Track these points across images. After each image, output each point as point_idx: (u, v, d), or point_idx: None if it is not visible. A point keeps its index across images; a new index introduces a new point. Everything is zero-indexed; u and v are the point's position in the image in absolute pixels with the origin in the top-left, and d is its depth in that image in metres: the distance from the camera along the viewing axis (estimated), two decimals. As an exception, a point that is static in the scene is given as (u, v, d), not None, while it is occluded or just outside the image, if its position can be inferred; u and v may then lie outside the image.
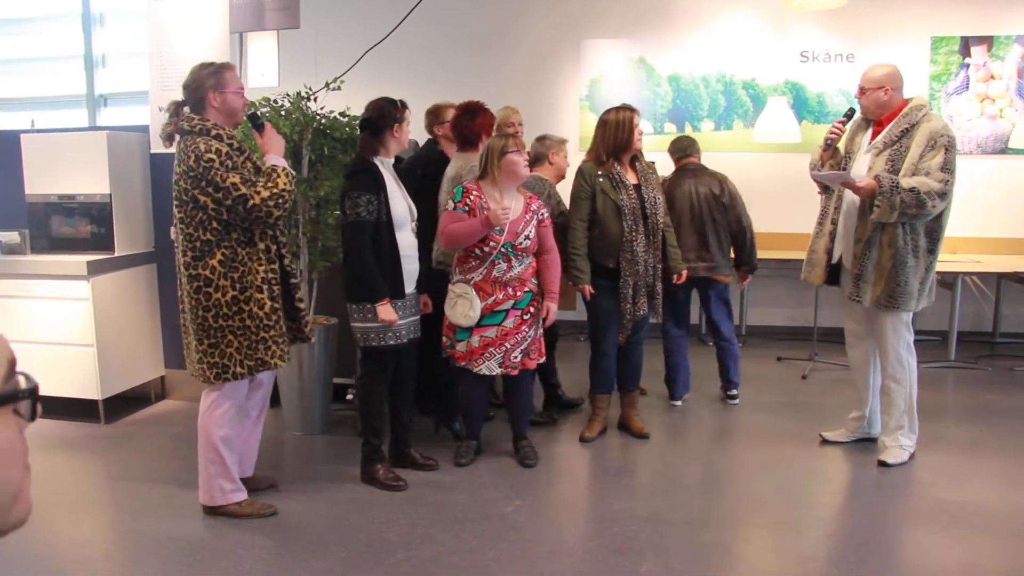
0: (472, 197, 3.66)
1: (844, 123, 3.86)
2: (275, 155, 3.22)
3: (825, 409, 4.71)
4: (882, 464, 3.81)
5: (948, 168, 3.54)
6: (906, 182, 3.51)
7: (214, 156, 3.01)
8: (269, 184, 3.08)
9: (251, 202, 3.02)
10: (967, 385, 5.35)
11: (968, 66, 6.37)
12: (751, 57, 6.56)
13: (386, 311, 3.46)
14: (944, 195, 3.53)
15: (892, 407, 3.84)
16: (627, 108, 4.00)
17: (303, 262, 4.30)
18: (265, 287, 3.16)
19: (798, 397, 5.00)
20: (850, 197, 3.74)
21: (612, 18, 6.73)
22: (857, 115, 3.89)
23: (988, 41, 6.33)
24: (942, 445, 4.12)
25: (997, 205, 6.45)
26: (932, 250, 3.69)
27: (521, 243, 3.68)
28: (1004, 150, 6.38)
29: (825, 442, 4.14)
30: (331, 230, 4.30)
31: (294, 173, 3.26)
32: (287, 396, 4.40)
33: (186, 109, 3.16)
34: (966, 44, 6.36)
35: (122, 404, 4.76)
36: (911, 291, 3.66)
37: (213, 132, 3.07)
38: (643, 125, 4.73)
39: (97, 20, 8.03)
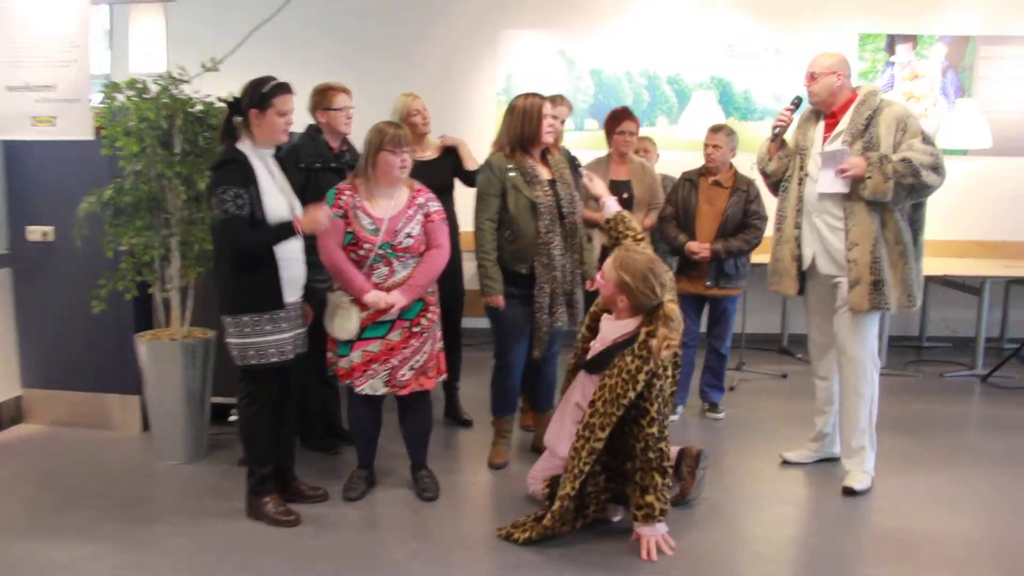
0: (344, 198, 3.20)
1: (792, 111, 3.64)
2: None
3: (751, 425, 4.43)
4: (849, 492, 3.50)
5: (930, 142, 3.36)
6: (895, 156, 3.31)
7: None
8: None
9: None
10: (896, 394, 5.12)
11: (893, 64, 6.21)
12: (676, 51, 6.26)
13: None
14: (936, 168, 3.28)
15: (853, 424, 3.56)
16: (536, 95, 3.59)
17: (173, 267, 3.78)
18: None
19: (726, 410, 4.67)
20: (812, 196, 3.48)
21: (532, 7, 6.31)
22: (805, 106, 3.64)
23: (912, 40, 6.18)
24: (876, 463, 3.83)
25: (923, 207, 6.28)
26: (917, 242, 3.52)
27: (401, 242, 3.20)
28: (930, 151, 6.23)
29: (786, 463, 3.88)
30: (208, 231, 3.79)
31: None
32: (157, 419, 3.85)
33: None
34: (891, 42, 6.20)
35: (-32, 430, 4.15)
36: (920, 282, 3.50)
37: None
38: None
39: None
